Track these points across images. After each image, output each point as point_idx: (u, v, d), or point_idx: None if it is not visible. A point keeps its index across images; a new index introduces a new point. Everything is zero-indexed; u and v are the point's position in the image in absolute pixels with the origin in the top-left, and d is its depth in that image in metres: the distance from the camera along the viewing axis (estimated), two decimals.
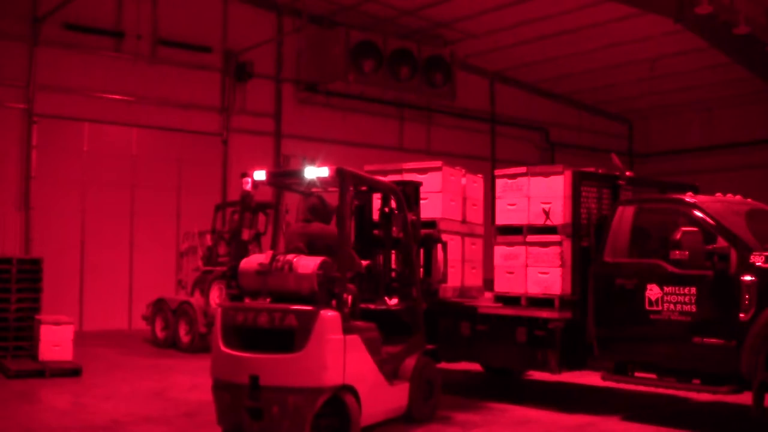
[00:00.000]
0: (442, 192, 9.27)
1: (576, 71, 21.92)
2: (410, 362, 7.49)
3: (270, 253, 6.82)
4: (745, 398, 7.22)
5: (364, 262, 7.68)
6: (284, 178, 8.06)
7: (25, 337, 10.86)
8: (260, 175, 7.31)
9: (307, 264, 6.64)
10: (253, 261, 6.95)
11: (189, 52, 17.88)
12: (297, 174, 7.38)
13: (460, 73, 20.28)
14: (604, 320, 8.11)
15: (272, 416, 6.33)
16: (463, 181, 9.83)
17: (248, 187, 7.25)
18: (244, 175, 7.34)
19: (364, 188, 8.27)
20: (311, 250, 6.93)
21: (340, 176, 6.92)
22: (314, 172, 7.06)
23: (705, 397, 8.72)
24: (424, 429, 7.45)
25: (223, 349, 6.68)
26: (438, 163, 9.46)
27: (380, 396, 7.00)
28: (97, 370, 10.71)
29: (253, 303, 6.85)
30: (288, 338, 6.44)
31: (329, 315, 6.45)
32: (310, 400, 6.28)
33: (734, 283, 7.14)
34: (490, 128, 23.24)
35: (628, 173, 9.21)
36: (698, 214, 7.68)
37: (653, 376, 7.95)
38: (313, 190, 7.69)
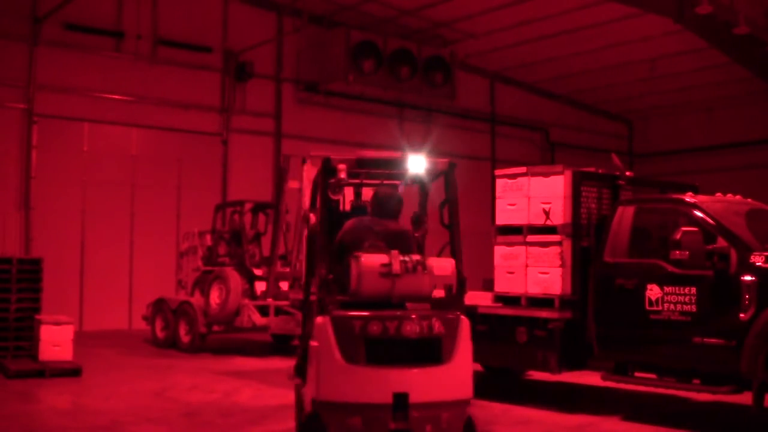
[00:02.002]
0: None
1: (576, 71, 21.92)
2: None
3: (395, 252, 5.88)
4: (745, 398, 7.22)
5: None
6: (378, 167, 6.81)
7: (25, 337, 10.85)
8: (354, 162, 6.25)
9: (443, 265, 5.98)
10: (370, 262, 5.86)
11: (189, 52, 17.89)
12: (398, 163, 6.51)
13: (460, 73, 20.27)
14: (604, 320, 8.11)
15: None
16: None
17: (343, 174, 6.08)
18: (331, 164, 6.05)
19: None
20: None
21: (452, 169, 6.32)
22: (422, 164, 6.35)
23: (705, 397, 8.71)
24: None
25: (349, 364, 5.59)
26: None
27: None
28: (97, 370, 10.71)
29: (383, 310, 5.80)
30: (430, 348, 5.73)
31: (467, 320, 5.89)
32: (461, 414, 5.76)
33: (734, 283, 7.14)
34: (490, 128, 23.25)
35: (628, 173, 9.20)
36: (698, 214, 7.67)
37: (653, 376, 7.95)
38: (388, 182, 6.80)
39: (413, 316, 5.73)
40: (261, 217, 14.58)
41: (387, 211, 6.44)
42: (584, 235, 8.52)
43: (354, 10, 18.71)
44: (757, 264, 7.07)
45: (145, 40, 17.30)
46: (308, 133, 19.10)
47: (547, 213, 8.62)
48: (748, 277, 7.06)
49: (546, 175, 8.75)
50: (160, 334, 13.90)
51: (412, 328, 5.68)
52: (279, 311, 12.51)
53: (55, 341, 10.51)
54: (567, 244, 8.48)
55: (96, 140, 16.75)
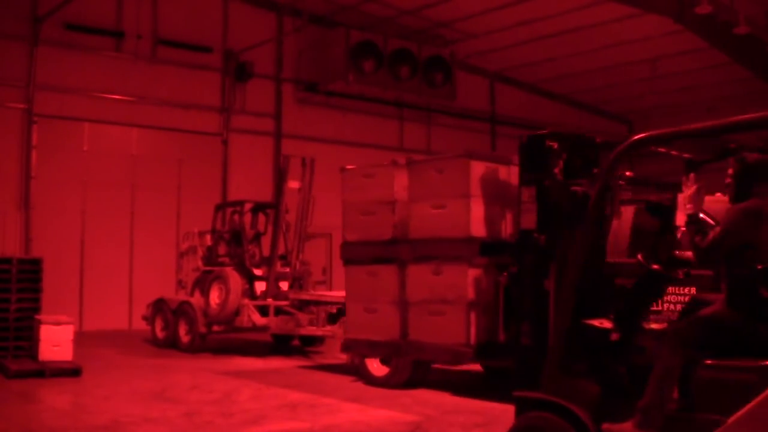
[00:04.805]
0: None
1: (576, 71, 21.92)
2: None
3: None
4: None
5: None
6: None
7: (25, 337, 10.84)
8: None
9: None
10: None
11: (189, 52, 17.90)
12: None
13: (460, 73, 20.29)
14: None
15: None
16: None
17: None
18: None
19: None
20: None
21: None
22: None
23: None
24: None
25: None
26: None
27: None
28: (97, 370, 10.70)
29: None
30: None
31: None
32: None
33: None
34: (490, 128, 23.26)
35: (628, 173, 9.18)
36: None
37: None
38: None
39: None
40: (261, 217, 14.58)
41: None
42: None
43: (354, 10, 18.71)
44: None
45: (145, 40, 17.31)
46: (308, 133, 19.12)
47: None
48: None
49: None
50: (160, 334, 13.90)
51: None
52: (279, 311, 12.51)
53: (55, 341, 10.49)
54: None
55: (96, 140, 16.76)
